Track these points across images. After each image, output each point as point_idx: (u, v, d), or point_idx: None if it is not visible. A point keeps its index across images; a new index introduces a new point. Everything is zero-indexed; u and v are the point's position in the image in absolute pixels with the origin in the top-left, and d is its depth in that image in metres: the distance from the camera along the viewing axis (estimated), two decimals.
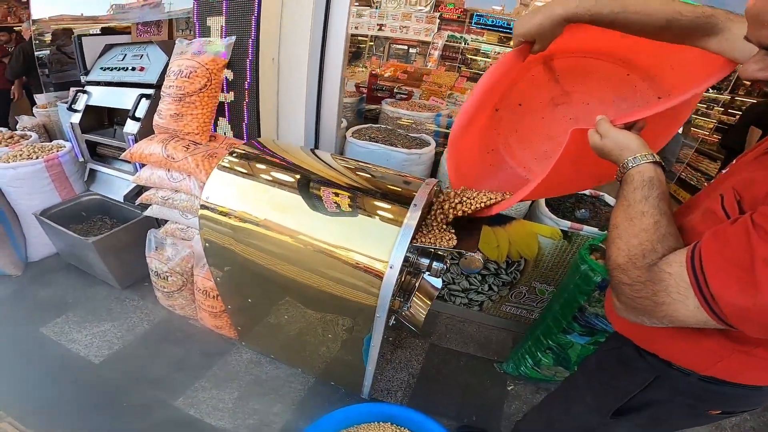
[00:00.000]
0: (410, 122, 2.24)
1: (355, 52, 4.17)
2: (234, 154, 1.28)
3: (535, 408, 1.17)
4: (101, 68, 2.02)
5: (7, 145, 2.02)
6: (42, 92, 2.89)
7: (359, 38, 4.58)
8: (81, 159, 2.12)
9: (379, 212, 1.08)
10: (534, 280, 1.84)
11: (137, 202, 1.75)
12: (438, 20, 4.79)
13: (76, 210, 2.06)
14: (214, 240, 1.29)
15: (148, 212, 1.76)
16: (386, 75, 3.87)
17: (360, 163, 1.33)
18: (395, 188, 1.16)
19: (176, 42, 1.66)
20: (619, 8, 0.64)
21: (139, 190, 1.94)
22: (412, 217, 1.02)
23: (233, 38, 1.59)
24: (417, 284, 1.39)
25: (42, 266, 2.10)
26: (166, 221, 1.81)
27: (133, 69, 1.94)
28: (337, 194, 1.14)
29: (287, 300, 1.32)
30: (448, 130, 2.35)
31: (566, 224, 1.68)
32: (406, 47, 5.09)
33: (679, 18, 0.62)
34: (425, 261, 1.16)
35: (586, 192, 1.95)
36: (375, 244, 1.03)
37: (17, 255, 2.01)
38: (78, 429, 1.36)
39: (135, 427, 1.40)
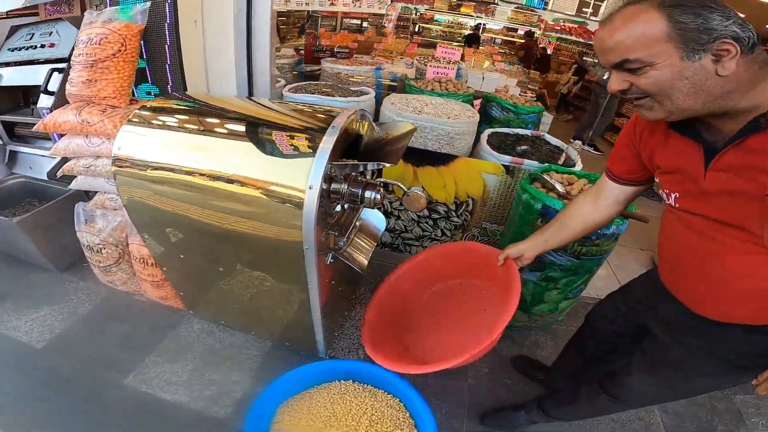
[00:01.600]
0: (350, 77, 2.20)
1: (302, 27, 4.06)
2: (144, 108, 1.21)
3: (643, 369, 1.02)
4: (9, 49, 1.88)
5: None
6: None
7: (309, 14, 4.46)
8: (0, 142, 1.98)
9: (298, 141, 1.05)
10: (484, 221, 1.86)
11: (58, 174, 1.64)
12: None
13: (2, 195, 1.92)
14: (133, 196, 1.22)
15: (73, 185, 1.66)
16: (336, 47, 3.80)
17: (282, 102, 1.29)
18: (315, 118, 1.13)
19: (85, 14, 1.58)
20: (542, 249, 1.10)
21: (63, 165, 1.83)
22: (328, 140, 0.99)
23: (148, 4, 1.52)
24: (356, 222, 1.37)
25: None
26: (95, 193, 1.72)
27: (43, 46, 1.82)
28: (253, 129, 1.09)
29: (218, 251, 1.28)
30: (391, 83, 2.32)
31: (507, 159, 1.70)
32: (359, 21, 5.00)
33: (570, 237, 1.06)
34: (357, 190, 1.15)
35: (527, 132, 1.98)
36: (294, 173, 1.00)
37: None
38: (24, 417, 1.28)
39: (84, 411, 1.33)
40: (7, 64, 1.87)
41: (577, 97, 5.29)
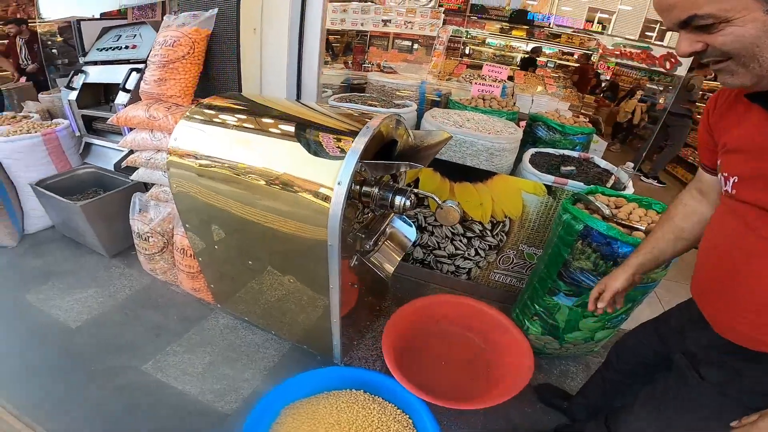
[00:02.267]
0: (394, 90, 2.27)
1: (347, 44, 4.29)
2: (201, 105, 1.33)
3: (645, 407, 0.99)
4: (97, 49, 2.16)
5: (9, 125, 2.16)
6: (48, 89, 3.09)
7: (362, 34, 4.69)
8: (78, 134, 2.25)
9: (332, 141, 1.09)
10: (521, 243, 1.79)
11: (123, 164, 1.83)
12: (443, 15, 4.88)
13: (72, 182, 2.16)
14: (182, 185, 1.33)
15: (134, 176, 1.84)
16: (383, 62, 3.96)
17: (323, 105, 1.36)
18: (352, 121, 1.17)
19: (164, 18, 1.79)
20: (654, 264, 0.94)
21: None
22: (360, 140, 1.02)
23: (215, 10, 1.69)
24: (386, 229, 1.38)
25: (37, 238, 2.21)
26: (152, 186, 1.89)
27: (126, 47, 2.07)
28: (291, 127, 1.16)
29: (249, 244, 1.34)
30: (435, 98, 2.36)
31: (550, 179, 1.64)
32: (410, 42, 5.18)
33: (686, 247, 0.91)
34: (387, 195, 1.17)
35: (575, 154, 1.90)
36: (325, 170, 1.04)
37: (14, 227, 2.12)
38: (46, 393, 1.38)
39: (99, 391, 1.40)
40: (95, 63, 2.15)
41: (639, 127, 5.02)
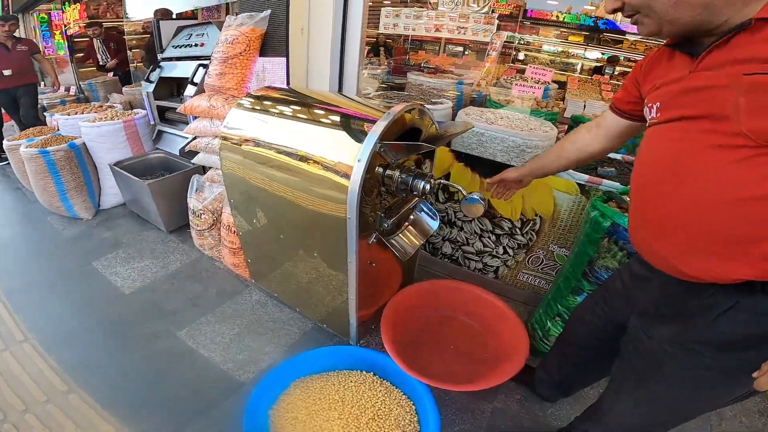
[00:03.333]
0: (432, 88, 2.36)
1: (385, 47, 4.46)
2: (249, 95, 1.53)
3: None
4: (173, 46, 2.51)
5: (96, 113, 2.58)
6: (131, 83, 3.60)
7: (413, 38, 4.85)
8: (152, 122, 2.61)
9: (358, 124, 1.22)
10: (551, 243, 1.78)
11: (186, 149, 2.11)
12: (496, 20, 4.91)
13: (144, 164, 2.51)
14: (230, 167, 1.53)
15: (195, 159, 2.11)
16: (423, 62, 4.06)
17: (357, 95, 1.49)
18: (378, 109, 1.29)
19: (226, 18, 2.05)
20: (540, 174, 1.19)
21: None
22: (381, 124, 1.13)
23: (268, 12, 1.91)
24: (411, 215, 1.47)
25: (109, 213, 2.59)
26: (209, 169, 2.15)
27: (196, 45, 2.39)
28: (324, 113, 1.31)
29: (281, 219, 1.50)
30: (474, 97, 2.41)
31: (583, 177, 1.63)
32: (462, 47, 5.26)
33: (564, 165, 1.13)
34: (407, 178, 1.26)
35: (618, 156, 1.86)
36: (348, 149, 1.16)
37: (91, 202, 2.51)
38: (90, 353, 1.60)
39: (136, 354, 1.60)
40: (170, 59, 2.50)
41: None
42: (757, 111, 0.58)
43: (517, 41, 4.50)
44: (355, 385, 1.33)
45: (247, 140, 1.42)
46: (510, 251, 1.90)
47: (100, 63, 4.25)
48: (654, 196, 0.74)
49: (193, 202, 2.05)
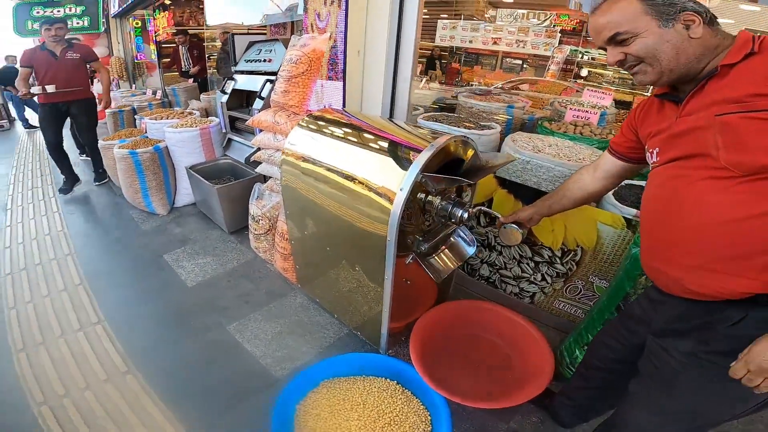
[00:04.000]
0: (482, 111, 2.41)
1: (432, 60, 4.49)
2: (311, 116, 1.71)
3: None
4: (245, 60, 2.81)
5: (178, 119, 2.94)
6: (208, 90, 4.01)
7: (469, 51, 4.88)
8: (224, 130, 2.93)
9: (404, 154, 1.33)
10: (591, 274, 1.77)
11: (252, 159, 2.36)
12: (559, 34, 4.80)
13: (214, 169, 2.83)
14: (288, 180, 1.72)
15: (258, 169, 2.35)
16: (474, 83, 4.07)
17: (408, 123, 1.61)
18: (424, 139, 1.40)
19: (292, 38, 2.26)
20: (547, 213, 1.29)
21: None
22: (425, 155, 1.24)
23: (328, 33, 2.09)
24: (450, 239, 1.56)
25: (182, 211, 2.93)
26: (269, 179, 2.38)
27: (264, 61, 2.66)
28: (374, 139, 1.44)
29: (328, 234, 1.65)
30: (526, 122, 2.42)
31: (631, 212, 1.62)
32: (520, 61, 5.20)
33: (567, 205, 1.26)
34: (447, 206, 1.36)
35: None
36: (393, 177, 1.28)
37: (167, 200, 2.87)
38: (150, 338, 1.82)
39: (190, 342, 1.80)
40: (242, 72, 2.80)
41: None
42: (731, 147, 0.69)
43: (580, 56, 4.37)
44: (377, 391, 1.44)
45: (304, 157, 1.60)
46: (548, 279, 1.91)
47: (183, 69, 4.74)
48: (660, 226, 0.84)
49: (253, 208, 2.29)
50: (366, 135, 1.49)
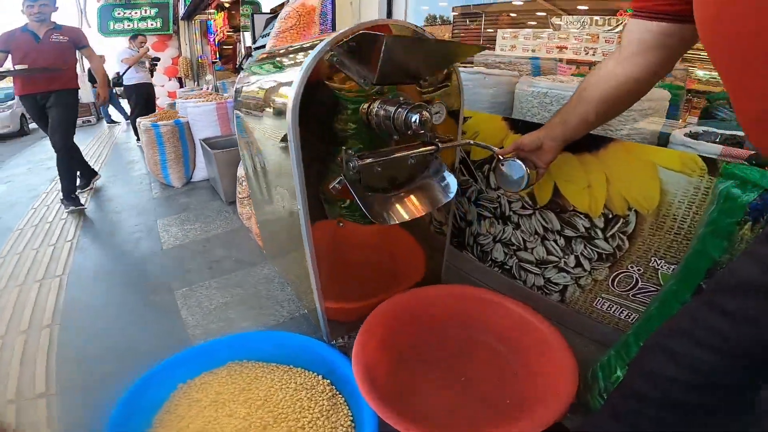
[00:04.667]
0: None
1: None
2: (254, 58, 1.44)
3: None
4: (261, 37, 2.73)
5: (199, 96, 2.96)
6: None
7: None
8: None
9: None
10: (654, 255, 1.12)
11: None
12: None
13: (226, 143, 2.74)
14: (237, 127, 1.45)
15: None
16: None
17: None
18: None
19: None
20: (562, 133, 0.92)
21: None
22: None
23: None
24: (420, 180, 1.11)
25: (195, 185, 2.90)
26: None
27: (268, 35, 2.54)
28: (291, 53, 1.08)
29: (264, 176, 1.31)
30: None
31: (715, 149, 0.98)
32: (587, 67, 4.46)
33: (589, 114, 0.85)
34: (388, 109, 0.93)
35: None
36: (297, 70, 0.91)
37: (184, 173, 2.84)
38: (92, 296, 1.70)
39: (128, 303, 1.63)
40: (259, 48, 2.71)
41: None
42: None
43: None
44: (294, 387, 1.01)
45: (241, 100, 1.32)
46: (586, 263, 1.28)
47: (237, 66, 4.99)
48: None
49: (240, 170, 2.07)
50: (286, 52, 1.15)
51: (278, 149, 1.05)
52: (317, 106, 0.93)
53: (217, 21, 5.25)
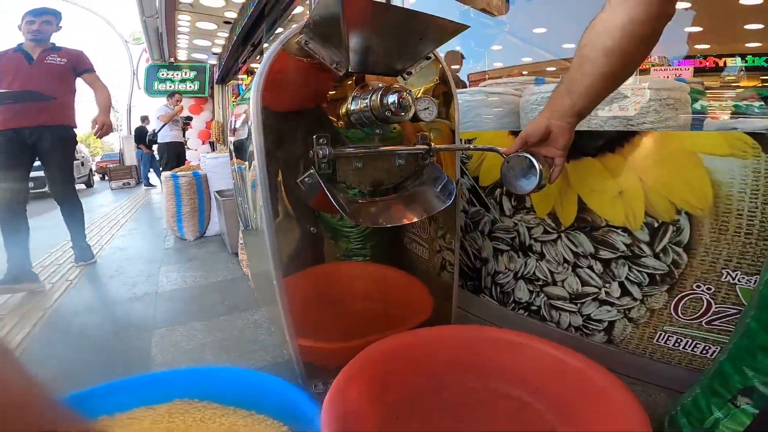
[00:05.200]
0: None
1: None
2: None
3: None
4: None
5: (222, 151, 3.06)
6: None
7: None
8: None
9: None
10: (722, 265, 0.86)
11: None
12: None
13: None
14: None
15: None
16: None
17: None
18: None
19: None
20: (569, 106, 0.77)
21: None
22: None
23: None
24: (414, 186, 0.97)
25: (208, 239, 2.89)
26: None
27: None
28: None
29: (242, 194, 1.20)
30: None
31: (760, 125, 0.79)
32: None
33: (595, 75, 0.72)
34: (365, 96, 0.83)
35: None
36: None
37: (198, 228, 2.81)
38: (79, 329, 1.58)
39: (106, 337, 1.48)
40: None
41: None
42: None
43: None
44: None
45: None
46: (635, 290, 1.01)
47: None
48: None
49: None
50: None
51: (248, 164, 0.95)
52: (287, 101, 0.84)
53: (248, 85, 5.71)
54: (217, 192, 2.65)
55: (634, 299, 1.01)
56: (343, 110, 0.87)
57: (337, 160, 0.86)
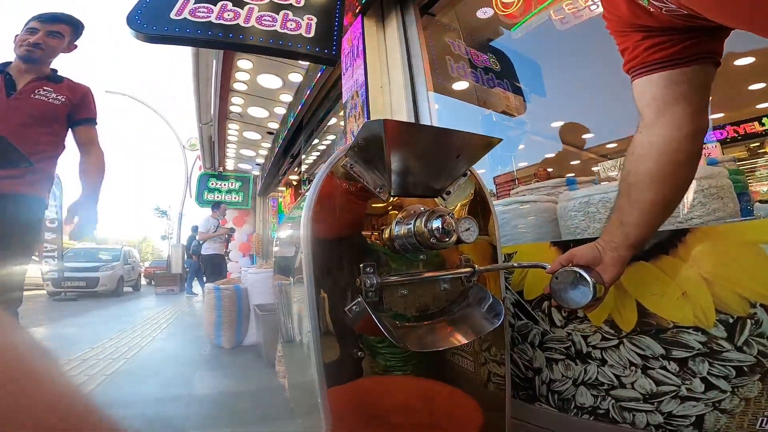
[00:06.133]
0: None
1: None
2: None
3: None
4: None
5: (262, 266, 3.16)
6: None
7: None
8: None
9: None
10: None
11: None
12: None
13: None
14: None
15: None
16: None
17: None
18: None
19: None
20: (622, 237, 0.76)
21: None
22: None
23: None
24: (459, 309, 0.96)
25: (245, 347, 2.85)
26: None
27: None
28: None
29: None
30: None
31: None
32: None
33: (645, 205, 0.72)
34: (409, 222, 0.87)
35: None
36: None
37: (236, 337, 2.79)
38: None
39: None
40: None
41: None
42: None
43: None
44: None
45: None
46: (722, 384, 0.89)
47: None
48: None
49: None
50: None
51: (293, 283, 0.98)
52: (335, 228, 0.87)
53: (285, 198, 5.93)
54: (256, 306, 2.68)
55: (723, 392, 0.89)
56: (387, 235, 0.89)
57: (384, 287, 0.87)
